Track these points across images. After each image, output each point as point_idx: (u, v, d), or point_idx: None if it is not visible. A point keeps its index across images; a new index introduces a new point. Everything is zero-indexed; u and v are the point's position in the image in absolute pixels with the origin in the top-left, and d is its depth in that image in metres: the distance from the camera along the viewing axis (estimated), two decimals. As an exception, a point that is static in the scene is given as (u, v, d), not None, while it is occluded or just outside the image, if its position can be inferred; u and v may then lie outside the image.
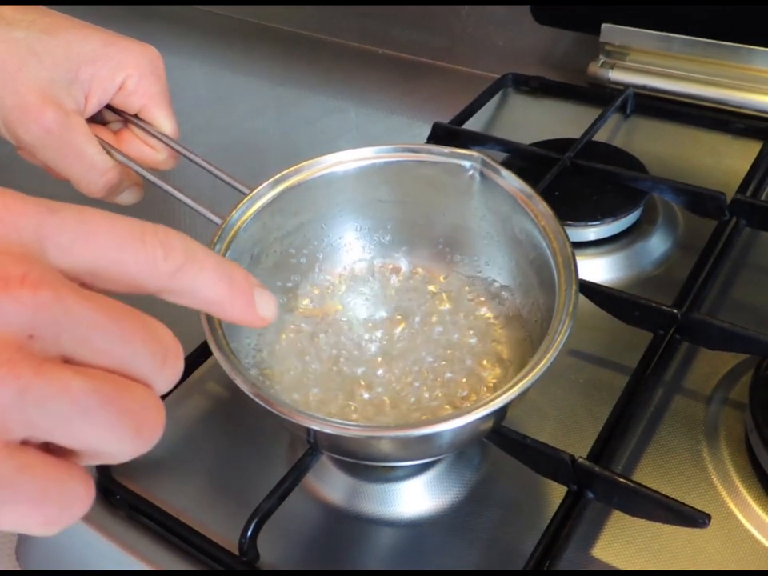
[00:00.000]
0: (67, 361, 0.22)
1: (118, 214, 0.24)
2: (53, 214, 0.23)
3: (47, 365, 0.21)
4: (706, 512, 0.34)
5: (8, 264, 0.21)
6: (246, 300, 0.27)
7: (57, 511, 0.22)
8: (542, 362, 0.34)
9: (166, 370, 0.24)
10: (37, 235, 0.22)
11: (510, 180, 0.43)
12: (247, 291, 0.27)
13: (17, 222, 0.22)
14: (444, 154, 0.44)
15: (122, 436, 0.22)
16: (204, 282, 0.26)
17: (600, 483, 0.37)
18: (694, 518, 0.34)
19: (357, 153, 0.45)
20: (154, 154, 0.47)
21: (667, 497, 0.35)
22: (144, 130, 0.46)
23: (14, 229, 0.22)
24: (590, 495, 0.38)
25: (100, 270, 0.23)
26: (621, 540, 0.39)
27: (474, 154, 0.44)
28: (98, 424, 0.22)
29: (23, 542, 0.43)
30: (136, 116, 0.47)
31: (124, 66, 0.44)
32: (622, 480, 0.37)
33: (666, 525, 0.36)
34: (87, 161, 0.43)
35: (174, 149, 0.47)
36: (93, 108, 0.45)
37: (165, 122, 0.46)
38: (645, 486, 0.36)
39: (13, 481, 0.21)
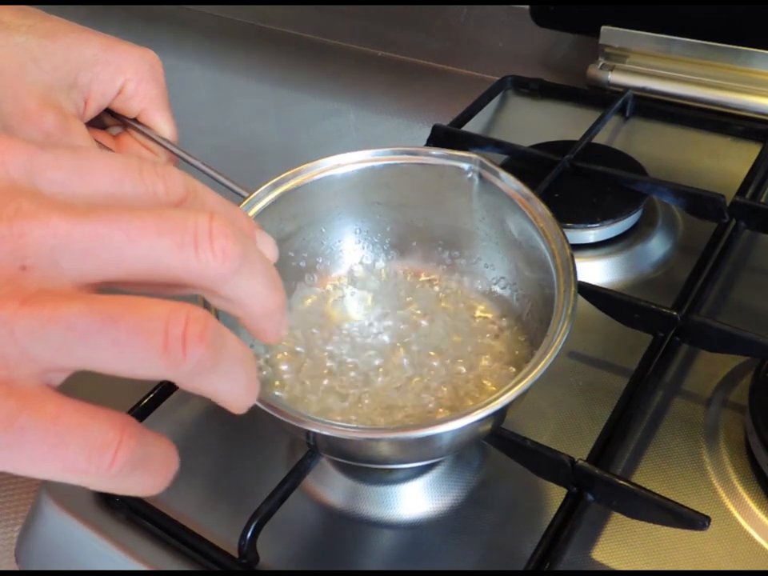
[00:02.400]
0: (89, 287, 0.21)
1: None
2: (44, 150, 0.22)
3: (40, 295, 0.20)
4: (706, 514, 0.34)
5: None
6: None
7: (81, 458, 0.21)
8: (541, 364, 0.34)
9: (203, 252, 0.22)
10: (27, 171, 0.22)
11: (508, 182, 0.43)
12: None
13: (2, 158, 0.21)
14: (442, 157, 0.44)
15: (141, 355, 0.21)
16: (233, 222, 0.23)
17: (600, 485, 0.37)
18: (693, 521, 0.34)
19: (356, 156, 0.45)
20: (153, 157, 0.47)
21: (667, 499, 0.35)
22: (143, 133, 0.47)
23: (0, 164, 0.21)
24: (590, 497, 0.38)
25: (99, 207, 0.22)
26: (620, 542, 0.39)
27: (473, 156, 0.44)
28: (105, 346, 0.20)
29: (23, 542, 0.43)
30: (135, 120, 0.47)
31: (123, 70, 0.44)
32: (621, 482, 0.37)
33: (665, 527, 0.36)
34: None
35: (173, 152, 0.47)
36: (92, 112, 0.45)
37: (164, 125, 0.47)
38: (644, 488, 0.36)
39: (16, 422, 0.20)
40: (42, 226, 0.21)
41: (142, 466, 0.22)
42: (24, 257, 0.20)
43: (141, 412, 0.44)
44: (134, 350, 0.21)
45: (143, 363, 0.21)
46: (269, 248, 0.27)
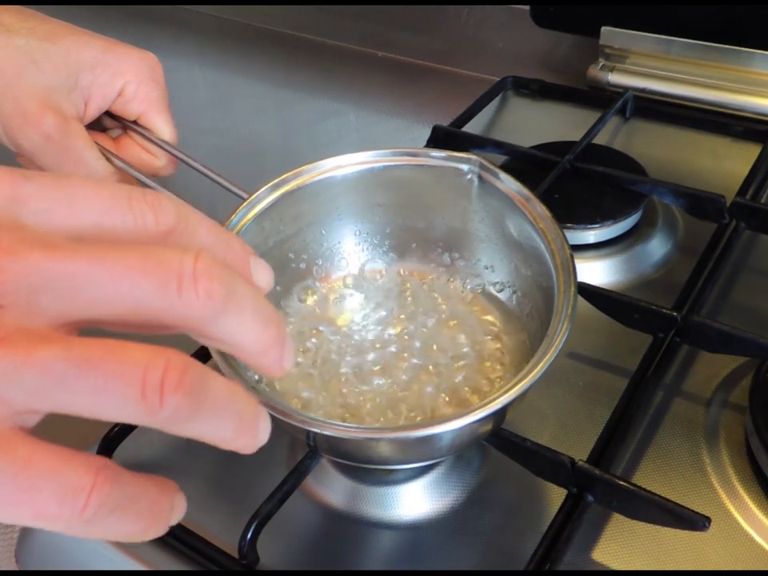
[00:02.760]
0: (69, 325, 0.21)
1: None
2: (28, 180, 0.22)
3: (16, 334, 0.20)
4: (706, 515, 0.34)
5: None
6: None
7: (53, 503, 0.20)
8: (541, 364, 0.34)
9: (186, 294, 0.21)
10: (10, 202, 0.21)
11: (507, 182, 0.43)
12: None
13: None
14: (442, 158, 0.44)
15: (118, 402, 0.20)
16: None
17: (600, 486, 0.37)
18: (693, 521, 0.34)
19: (355, 157, 0.45)
20: (153, 160, 0.47)
21: (667, 500, 0.35)
22: (143, 136, 0.47)
23: None
24: (590, 498, 0.38)
25: (85, 238, 0.22)
26: (621, 543, 0.39)
27: (472, 157, 0.44)
28: (81, 391, 0.20)
29: (23, 544, 0.43)
30: (135, 122, 0.47)
31: (123, 73, 0.44)
32: (621, 483, 0.37)
33: (665, 528, 0.36)
34: (87, 167, 0.43)
35: (173, 155, 0.47)
36: (92, 114, 0.45)
37: (164, 127, 0.47)
38: (644, 489, 0.36)
39: None
40: (22, 261, 0.20)
41: (120, 510, 0.21)
42: (1, 294, 0.20)
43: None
44: (111, 397, 0.20)
45: (120, 409, 0.21)
46: (263, 275, 0.26)
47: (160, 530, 0.23)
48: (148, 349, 0.21)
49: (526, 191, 0.42)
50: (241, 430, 0.23)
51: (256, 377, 0.42)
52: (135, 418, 0.21)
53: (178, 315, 0.22)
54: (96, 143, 0.44)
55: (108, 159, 0.45)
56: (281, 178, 0.44)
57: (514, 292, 0.45)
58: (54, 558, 0.42)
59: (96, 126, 0.47)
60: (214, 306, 0.22)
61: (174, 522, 0.24)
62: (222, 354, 0.35)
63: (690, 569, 0.37)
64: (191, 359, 0.21)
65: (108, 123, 0.48)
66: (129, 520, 0.22)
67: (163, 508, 0.23)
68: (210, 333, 0.23)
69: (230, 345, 0.24)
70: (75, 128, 0.43)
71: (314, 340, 0.44)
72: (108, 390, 0.20)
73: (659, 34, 0.70)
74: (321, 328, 0.45)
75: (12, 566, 0.43)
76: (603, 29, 0.72)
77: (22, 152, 0.44)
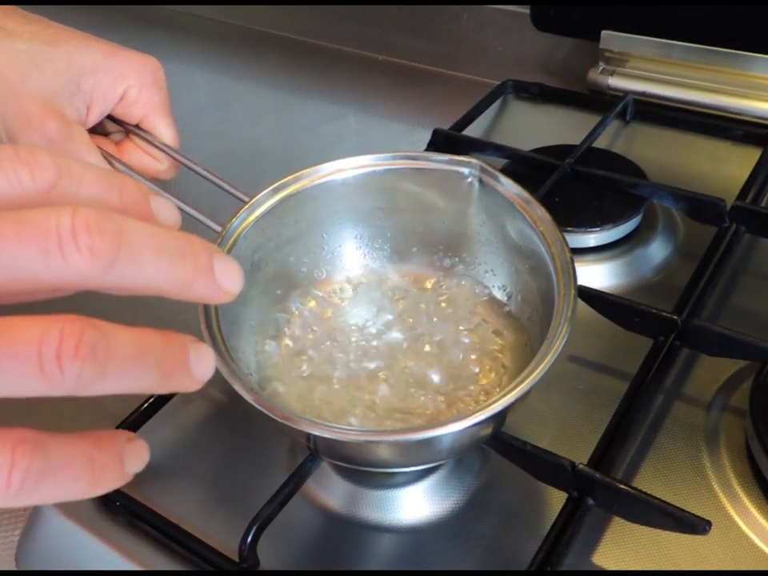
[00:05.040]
0: None
1: None
2: None
3: None
4: (707, 519, 0.34)
5: None
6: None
7: None
8: (541, 366, 0.34)
9: (69, 254, 0.20)
10: None
11: (508, 186, 0.43)
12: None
13: None
14: (442, 161, 0.44)
15: (19, 380, 0.20)
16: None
17: (600, 489, 0.37)
18: (694, 525, 0.34)
19: (356, 161, 0.45)
20: (155, 163, 0.47)
21: (668, 503, 0.35)
22: (145, 140, 0.47)
23: None
24: (591, 501, 0.38)
25: None
26: (621, 546, 0.39)
27: (473, 160, 0.44)
28: None
29: (23, 547, 0.43)
30: (137, 126, 0.47)
31: (125, 77, 0.45)
32: (622, 486, 0.37)
33: (666, 531, 0.36)
34: None
35: (174, 158, 0.47)
36: (94, 118, 0.45)
37: (166, 131, 0.47)
38: (645, 493, 0.36)
39: None
40: None
41: (50, 477, 0.21)
42: None
43: (141, 416, 0.44)
44: (11, 377, 0.20)
45: (23, 386, 0.20)
46: (166, 212, 0.25)
47: (113, 484, 0.23)
48: (39, 320, 0.20)
49: (526, 194, 0.42)
50: (166, 374, 0.23)
51: (256, 380, 0.42)
52: (40, 391, 0.21)
53: (68, 277, 0.21)
54: (98, 147, 0.45)
55: (110, 163, 0.45)
56: (281, 181, 0.44)
57: (515, 296, 0.45)
58: (54, 558, 0.42)
59: (98, 129, 0.47)
60: (102, 259, 0.21)
61: (131, 470, 0.24)
62: (221, 356, 0.35)
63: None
64: (89, 321, 0.21)
65: (110, 127, 0.48)
66: (64, 483, 0.22)
67: (106, 463, 0.23)
68: (111, 286, 0.22)
69: (141, 290, 0.22)
70: (77, 132, 0.43)
71: (314, 343, 0.44)
72: (5, 371, 0.20)
73: (659, 37, 0.70)
74: (321, 332, 0.45)
75: (12, 567, 0.43)
76: (603, 32, 0.72)
77: None
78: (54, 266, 0.21)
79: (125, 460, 0.23)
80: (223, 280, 0.24)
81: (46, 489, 0.21)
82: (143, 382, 0.23)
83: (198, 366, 0.24)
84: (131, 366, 0.22)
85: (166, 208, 0.25)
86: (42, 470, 0.21)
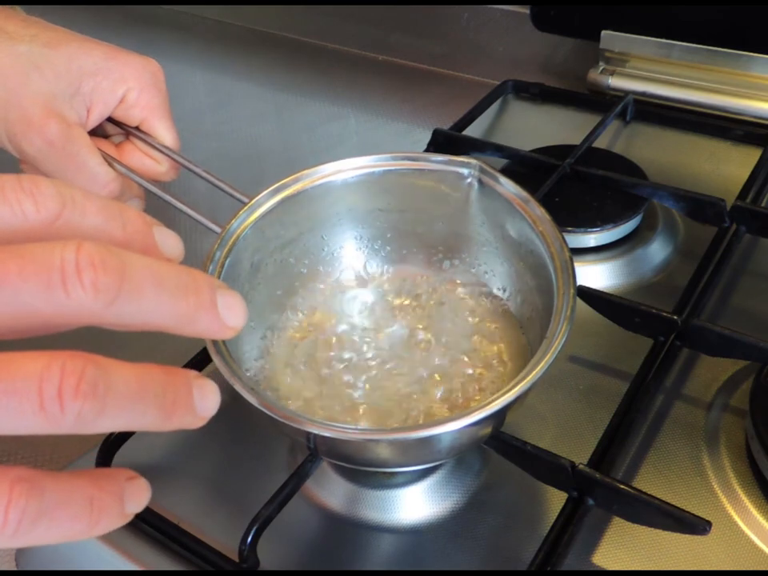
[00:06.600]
0: None
1: None
2: None
3: None
4: (707, 519, 0.34)
5: None
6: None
7: None
8: (540, 365, 0.34)
9: (73, 290, 0.20)
10: None
11: (507, 186, 0.43)
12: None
13: None
14: (441, 162, 0.44)
15: (18, 418, 0.20)
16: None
17: (600, 490, 0.37)
18: (694, 525, 0.34)
19: (355, 162, 0.45)
20: (155, 165, 0.47)
21: (668, 504, 0.35)
22: (145, 142, 0.47)
23: None
24: (591, 502, 0.38)
25: None
26: (621, 546, 0.39)
27: (472, 161, 0.44)
28: None
29: (23, 546, 0.43)
30: (137, 128, 0.47)
31: (125, 79, 0.45)
32: (622, 486, 0.37)
33: (666, 532, 0.36)
34: (89, 173, 0.44)
35: (175, 160, 0.47)
36: (94, 121, 0.45)
37: (165, 133, 0.47)
38: (645, 493, 0.36)
39: None
40: None
41: (47, 517, 0.21)
42: None
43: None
44: (9, 413, 0.20)
45: (21, 423, 0.20)
46: (171, 244, 0.25)
47: (112, 524, 0.23)
48: (41, 356, 0.20)
49: (525, 194, 0.42)
50: (167, 411, 0.23)
51: (253, 376, 0.42)
52: (39, 429, 0.20)
53: (71, 313, 0.21)
54: (99, 149, 0.45)
55: (110, 165, 0.45)
56: (281, 182, 0.44)
57: (514, 296, 0.45)
58: (54, 558, 0.42)
59: (98, 132, 0.47)
60: (105, 295, 0.21)
61: (132, 511, 0.23)
62: (221, 356, 0.35)
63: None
64: (90, 357, 0.21)
65: (110, 129, 0.48)
66: (62, 523, 0.21)
67: (105, 503, 0.22)
68: (113, 321, 0.22)
69: (142, 326, 0.22)
70: (78, 134, 0.43)
71: (314, 344, 0.44)
72: (4, 408, 0.20)
73: (659, 37, 0.70)
74: (321, 332, 0.45)
75: (12, 567, 0.43)
76: (603, 32, 0.72)
77: (25, 158, 0.44)
78: (57, 301, 0.20)
79: (125, 499, 0.23)
80: (226, 315, 0.24)
81: (43, 529, 0.21)
82: (144, 420, 0.22)
83: (201, 402, 0.24)
84: (131, 404, 0.22)
85: (170, 239, 0.25)
86: (39, 509, 0.21)
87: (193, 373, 0.24)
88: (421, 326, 0.45)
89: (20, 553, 0.43)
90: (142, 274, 0.22)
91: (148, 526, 0.41)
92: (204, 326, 0.24)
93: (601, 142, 0.65)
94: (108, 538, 0.40)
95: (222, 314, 0.24)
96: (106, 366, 0.21)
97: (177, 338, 0.23)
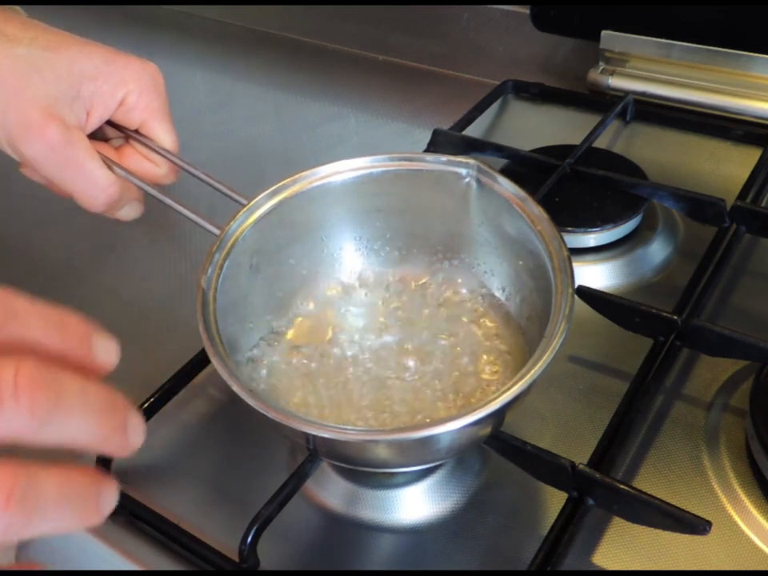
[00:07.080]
0: None
1: None
2: None
3: None
4: (707, 519, 0.34)
5: None
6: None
7: None
8: (539, 364, 0.34)
9: (9, 408, 0.21)
10: None
11: (505, 185, 0.43)
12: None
13: None
14: (440, 162, 0.44)
15: None
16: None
17: (600, 490, 0.37)
18: (694, 525, 0.34)
19: (353, 162, 0.45)
20: (154, 168, 0.47)
21: (668, 503, 0.35)
22: (145, 144, 0.47)
23: None
24: (591, 502, 0.38)
25: None
26: (621, 546, 0.39)
27: (470, 161, 0.44)
28: None
29: (23, 546, 0.43)
30: (136, 131, 0.47)
31: (125, 83, 0.45)
32: (622, 486, 0.37)
33: (666, 531, 0.36)
34: (89, 176, 0.44)
35: (174, 163, 0.47)
36: (94, 124, 0.45)
37: (165, 136, 0.47)
38: (645, 493, 0.36)
39: None
40: None
41: (39, 513, 0.21)
42: None
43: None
44: None
45: None
46: (106, 353, 0.25)
47: (91, 518, 0.24)
48: None
49: (523, 193, 0.42)
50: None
51: (255, 379, 0.42)
52: None
53: (4, 430, 0.21)
54: (98, 152, 0.45)
55: (110, 168, 0.45)
56: (280, 183, 0.44)
57: (514, 296, 0.45)
58: (54, 558, 0.42)
59: (98, 135, 0.47)
60: (39, 418, 0.21)
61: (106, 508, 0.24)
62: (220, 357, 0.35)
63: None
64: (21, 466, 0.21)
65: (110, 132, 0.48)
66: (52, 517, 0.22)
67: (87, 500, 0.24)
68: (40, 442, 0.22)
69: (64, 445, 0.23)
70: (78, 137, 0.43)
71: (313, 346, 0.44)
72: None
73: (659, 37, 0.70)
74: (321, 333, 0.45)
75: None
76: (603, 33, 0.72)
77: (25, 161, 0.44)
78: None
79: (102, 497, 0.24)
80: (132, 436, 0.25)
81: (36, 524, 0.22)
82: (66, 523, 0.23)
83: (105, 502, 0.25)
84: (55, 511, 0.22)
85: (106, 349, 0.25)
86: (35, 504, 0.21)
87: (98, 476, 0.25)
88: (419, 327, 0.45)
89: (20, 552, 0.43)
90: (74, 397, 0.23)
91: (148, 525, 0.41)
92: (114, 445, 0.25)
93: (601, 142, 0.65)
94: (108, 538, 0.40)
95: (129, 435, 0.25)
96: (34, 476, 0.22)
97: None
